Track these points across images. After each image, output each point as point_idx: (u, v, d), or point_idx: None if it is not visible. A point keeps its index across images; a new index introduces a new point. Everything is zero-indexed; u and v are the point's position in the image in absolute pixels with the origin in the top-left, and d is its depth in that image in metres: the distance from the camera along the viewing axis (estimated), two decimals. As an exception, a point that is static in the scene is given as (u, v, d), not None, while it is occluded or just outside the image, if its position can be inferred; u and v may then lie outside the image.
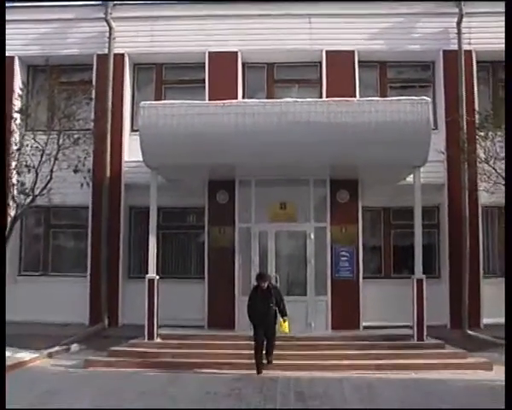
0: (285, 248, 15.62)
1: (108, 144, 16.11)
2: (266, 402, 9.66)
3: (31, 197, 14.57)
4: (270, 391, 10.42)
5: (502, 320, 13.08)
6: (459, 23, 15.81)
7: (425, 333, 13.55)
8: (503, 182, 13.52)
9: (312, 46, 16.22)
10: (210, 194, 15.68)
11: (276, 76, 16.87)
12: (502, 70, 15.85)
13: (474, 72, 16.00)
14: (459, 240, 15.44)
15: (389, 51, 16.28)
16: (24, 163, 14.58)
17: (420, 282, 13.65)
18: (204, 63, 16.33)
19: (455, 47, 15.90)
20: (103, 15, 16.28)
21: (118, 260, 15.99)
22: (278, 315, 12.45)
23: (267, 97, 16.16)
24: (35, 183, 14.50)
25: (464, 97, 15.68)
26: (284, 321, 12.43)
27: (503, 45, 13.58)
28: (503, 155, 13.41)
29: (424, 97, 13.82)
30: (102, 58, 16.36)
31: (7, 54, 15.52)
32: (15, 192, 14.68)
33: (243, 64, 16.61)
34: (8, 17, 15.29)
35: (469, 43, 15.92)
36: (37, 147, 14.57)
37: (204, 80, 16.33)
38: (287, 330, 12.45)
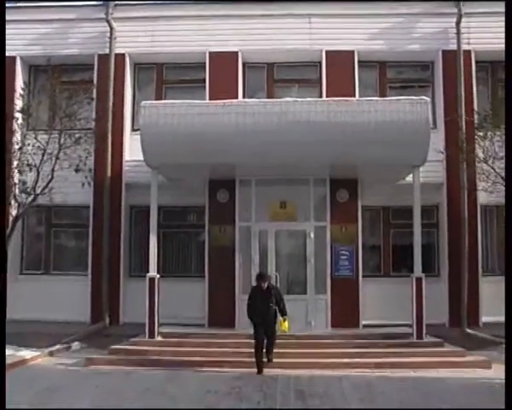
0: (285, 247, 15.65)
1: (109, 144, 16.15)
2: (266, 401, 9.64)
3: (32, 196, 14.64)
4: (271, 389, 10.41)
5: (500, 319, 13.13)
6: (458, 23, 15.83)
7: (424, 332, 13.57)
8: (502, 181, 13.61)
9: (312, 46, 16.25)
10: (210, 193, 15.71)
11: (276, 76, 16.89)
12: (501, 70, 15.92)
13: (473, 72, 16.02)
14: (458, 239, 15.48)
15: (389, 51, 16.31)
16: (25, 162, 14.62)
17: (419, 281, 13.68)
18: (204, 63, 16.35)
19: (454, 47, 15.93)
20: (104, 16, 16.32)
21: (119, 258, 16.03)
22: (278, 314, 12.46)
23: (267, 97, 16.20)
24: (36, 182, 14.56)
25: (463, 97, 15.71)
26: (284, 320, 12.45)
27: (503, 45, 13.65)
28: (501, 154, 13.49)
29: (423, 97, 13.84)
30: (103, 58, 16.41)
31: (9, 54, 15.57)
32: (17, 191, 14.72)
33: (243, 64, 16.63)
34: (9, 17, 15.32)
35: (468, 44, 15.93)
36: (38, 146, 14.63)
37: (204, 80, 16.36)
38: (286, 328, 12.47)
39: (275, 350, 12.47)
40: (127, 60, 16.64)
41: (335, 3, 16.27)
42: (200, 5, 16.46)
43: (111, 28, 16.36)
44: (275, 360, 12.36)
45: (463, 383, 11.01)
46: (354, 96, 15.56)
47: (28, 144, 14.69)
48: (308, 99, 14.21)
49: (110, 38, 16.37)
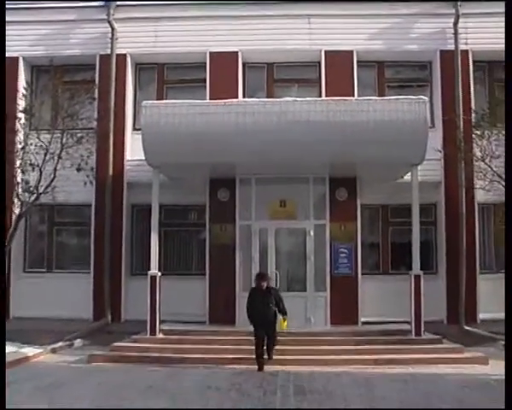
0: (285, 245, 15.68)
1: (111, 143, 16.20)
2: (266, 397, 9.67)
3: (35, 195, 14.68)
4: (271, 386, 10.38)
5: (498, 315, 13.41)
6: (456, 23, 15.87)
7: (422, 328, 13.62)
8: (499, 180, 13.72)
9: (312, 46, 16.32)
10: (211, 192, 15.77)
11: (275, 76, 16.94)
12: (498, 70, 16.04)
13: (470, 71, 16.07)
14: (456, 237, 15.53)
15: (387, 51, 16.35)
16: (28, 162, 14.67)
17: (417, 278, 13.72)
18: (205, 63, 16.41)
19: (452, 47, 15.98)
20: (106, 16, 16.37)
21: (120, 257, 16.09)
22: (278, 315, 12.45)
23: (267, 97, 16.26)
24: (39, 181, 14.62)
25: (461, 97, 15.77)
26: (284, 320, 12.45)
27: (500, 45, 13.79)
28: (498, 153, 13.62)
29: (421, 97, 13.88)
30: (105, 58, 16.48)
31: (11, 54, 15.81)
32: (20, 190, 14.81)
33: (243, 64, 16.68)
34: (12, 18, 15.62)
35: (466, 44, 15.98)
36: (41, 146, 14.69)
37: (205, 80, 16.42)
38: (285, 327, 12.49)
39: (275, 347, 12.49)
40: (128, 60, 16.69)
41: (334, 4, 16.29)
42: (201, 6, 16.48)
43: (112, 29, 16.41)
44: (275, 357, 12.38)
45: (461, 379, 11.01)
46: (353, 95, 15.59)
47: (31, 144, 14.75)
48: (307, 99, 14.28)
49: (112, 38, 16.44)
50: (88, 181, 15.01)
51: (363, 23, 16.22)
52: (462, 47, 15.96)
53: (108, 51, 16.49)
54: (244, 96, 16.30)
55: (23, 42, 16.44)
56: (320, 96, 16.10)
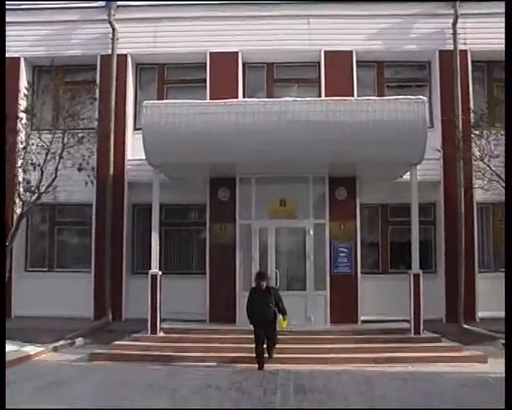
0: (285, 244, 15.72)
1: (112, 143, 16.23)
2: (267, 395, 9.65)
3: (36, 195, 14.71)
4: (271, 385, 10.43)
5: (496, 314, 13.53)
6: (454, 24, 15.91)
7: (421, 327, 13.68)
8: (498, 179, 13.78)
9: (311, 46, 16.35)
10: (211, 191, 15.82)
11: (275, 76, 16.98)
12: (496, 70, 16.11)
13: (469, 71, 16.10)
14: (455, 236, 15.57)
15: (386, 51, 16.39)
16: (30, 161, 14.72)
17: (417, 277, 13.77)
18: (205, 63, 16.45)
19: (450, 47, 16.01)
20: (107, 17, 16.40)
21: (121, 256, 16.13)
22: (278, 315, 12.45)
23: (267, 97, 16.31)
24: (40, 181, 14.66)
25: (460, 97, 15.80)
26: (284, 320, 12.45)
27: (498, 45, 13.88)
28: (497, 152, 13.69)
29: (420, 97, 13.92)
30: (106, 59, 16.52)
31: (13, 55, 15.86)
32: (21, 190, 14.85)
33: (243, 64, 16.72)
34: (13, 19, 15.71)
35: (465, 44, 16.01)
36: (42, 146, 14.73)
37: (205, 80, 16.45)
38: (284, 326, 12.50)
39: (275, 346, 12.50)
40: (129, 60, 16.73)
41: (334, 5, 16.33)
42: (201, 7, 16.51)
43: (113, 29, 16.44)
44: (275, 356, 12.40)
45: (460, 377, 11.05)
46: (352, 95, 15.63)
47: (32, 144, 14.79)
48: (307, 99, 14.33)
49: (112, 38, 16.47)
50: (89, 181, 15.06)
51: (362, 23, 16.25)
52: (460, 47, 15.99)
53: (109, 51, 16.52)
54: (244, 96, 16.33)
55: (24, 42, 16.48)
56: (320, 96, 16.14)
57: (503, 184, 13.11)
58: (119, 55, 16.55)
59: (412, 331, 13.71)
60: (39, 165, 14.66)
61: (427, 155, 14.07)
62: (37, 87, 16.77)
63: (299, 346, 13.07)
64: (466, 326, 15.18)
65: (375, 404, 9.16)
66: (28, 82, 16.43)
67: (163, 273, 14.40)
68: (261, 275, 12.73)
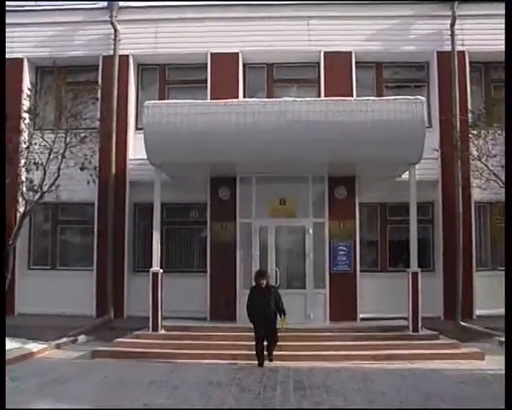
0: (285, 242, 15.79)
1: (114, 143, 16.30)
2: (266, 392, 9.69)
3: (39, 194, 14.78)
4: (271, 381, 10.49)
5: (494, 312, 13.69)
6: (452, 25, 15.95)
7: (420, 324, 13.71)
8: (495, 179, 13.90)
9: (311, 47, 16.42)
10: (212, 190, 15.91)
11: (275, 76, 17.04)
12: (494, 70, 16.22)
13: (466, 72, 16.15)
14: (453, 235, 15.63)
15: (385, 52, 16.44)
16: (32, 161, 14.76)
17: (415, 275, 13.82)
18: (206, 64, 16.52)
19: (448, 48, 16.06)
20: (109, 18, 16.47)
21: (123, 254, 16.20)
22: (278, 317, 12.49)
23: (267, 97, 16.37)
24: (43, 180, 14.71)
25: (457, 97, 15.85)
26: (282, 320, 12.45)
27: (495, 46, 14.07)
28: (494, 152, 13.81)
29: (419, 97, 13.98)
30: (108, 59, 16.58)
31: (16, 56, 15.97)
32: (24, 189, 14.90)
33: (244, 65, 16.79)
34: (16, 20, 15.86)
35: (462, 45, 16.06)
36: (45, 145, 14.78)
37: (206, 80, 16.51)
38: (284, 325, 12.49)
39: (275, 344, 12.49)
40: (131, 61, 16.80)
41: (333, 6, 16.37)
42: (202, 8, 16.56)
43: (115, 30, 16.50)
44: (275, 353, 12.39)
45: (459, 374, 11.07)
46: (352, 95, 15.69)
47: (35, 143, 14.84)
48: (307, 99, 14.40)
49: (114, 39, 16.53)
50: (91, 180, 15.10)
51: (361, 25, 16.30)
52: (458, 48, 16.04)
53: (111, 52, 16.57)
54: (244, 97, 16.39)
55: (27, 43, 16.56)
56: (319, 96, 16.21)
57: (501, 184, 13.31)
58: (120, 56, 16.61)
59: (410, 329, 13.73)
60: (42, 164, 14.71)
61: (426, 155, 14.13)
62: (40, 87, 16.78)
63: (299, 343, 13.11)
64: (463, 324, 15.21)
65: (374, 400, 9.19)
66: (31, 82, 16.48)
67: (164, 271, 14.47)
68: (261, 273, 12.77)
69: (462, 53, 16.11)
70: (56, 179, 14.74)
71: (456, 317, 15.38)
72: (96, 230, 16.37)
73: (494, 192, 14.38)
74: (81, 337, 15.07)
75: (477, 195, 15.57)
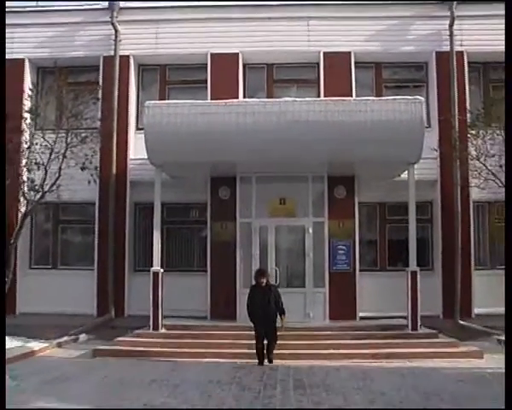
0: (284, 242, 15.83)
1: (114, 143, 16.35)
2: (267, 390, 9.69)
3: (40, 194, 14.80)
4: (271, 380, 10.50)
5: (492, 310, 13.75)
6: (451, 25, 15.98)
7: (419, 323, 13.72)
8: (494, 178, 13.95)
9: (310, 48, 16.45)
10: (212, 190, 15.95)
11: (275, 76, 17.08)
12: (492, 71, 16.26)
13: (465, 72, 16.17)
14: (451, 234, 15.66)
15: (384, 52, 16.48)
16: (34, 161, 14.78)
17: (414, 274, 13.83)
18: (206, 64, 16.55)
19: (447, 48, 16.09)
20: (109, 19, 16.50)
21: (124, 253, 16.24)
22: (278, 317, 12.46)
23: (267, 97, 16.41)
24: (44, 180, 14.73)
25: (456, 97, 15.88)
26: (282, 320, 12.39)
27: (494, 47, 14.14)
28: (493, 152, 13.87)
29: (418, 97, 14.02)
30: (108, 60, 16.61)
31: (17, 56, 16.02)
32: (26, 189, 14.93)
33: (244, 65, 16.83)
34: (18, 21, 15.93)
35: (461, 45, 16.08)
36: (46, 145, 14.80)
37: (206, 81, 16.54)
38: (283, 325, 12.42)
39: (275, 343, 12.42)
40: (131, 61, 16.84)
41: (333, 6, 16.44)
42: (202, 9, 16.61)
43: (116, 31, 16.54)
44: (275, 352, 12.29)
45: (457, 373, 11.08)
46: (351, 95, 15.73)
47: (36, 143, 14.86)
48: (306, 99, 14.44)
49: (115, 40, 16.56)
50: (92, 180, 15.10)
51: (360, 25, 16.34)
52: (457, 48, 16.06)
53: (112, 53, 16.60)
54: (244, 97, 16.43)
55: (29, 44, 16.61)
56: (319, 96, 16.25)
57: (499, 183, 13.38)
58: (121, 57, 16.65)
59: (410, 327, 13.73)
60: (43, 164, 14.73)
61: (425, 155, 14.16)
62: (41, 88, 16.78)
63: (299, 342, 13.14)
64: (462, 322, 15.25)
65: (373, 399, 9.19)
66: (32, 83, 16.47)
67: (165, 271, 14.51)
68: (261, 272, 12.76)
69: (460, 53, 16.13)
70: (57, 179, 14.76)
71: (454, 316, 15.41)
72: (96, 229, 16.42)
73: (492, 192, 14.42)
74: (82, 336, 15.09)
75: (475, 194, 15.60)
